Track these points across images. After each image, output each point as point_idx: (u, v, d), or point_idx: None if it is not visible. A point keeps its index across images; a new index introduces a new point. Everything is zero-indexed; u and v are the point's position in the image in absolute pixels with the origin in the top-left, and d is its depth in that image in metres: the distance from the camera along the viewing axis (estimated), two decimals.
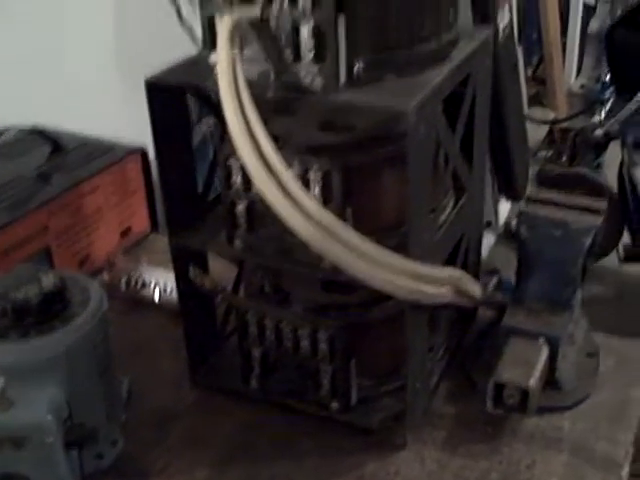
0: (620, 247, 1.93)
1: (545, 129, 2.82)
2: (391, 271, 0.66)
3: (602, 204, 0.88)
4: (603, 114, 2.62)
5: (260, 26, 0.63)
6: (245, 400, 0.83)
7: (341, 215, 0.67)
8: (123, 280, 0.99)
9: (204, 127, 1.48)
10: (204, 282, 0.75)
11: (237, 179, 0.70)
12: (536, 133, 2.80)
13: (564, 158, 2.93)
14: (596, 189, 2.24)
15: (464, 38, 0.74)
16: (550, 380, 0.79)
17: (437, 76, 0.67)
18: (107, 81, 1.33)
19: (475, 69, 0.75)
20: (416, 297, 0.69)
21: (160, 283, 0.97)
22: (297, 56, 0.63)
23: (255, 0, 0.62)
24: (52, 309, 0.72)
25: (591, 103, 2.65)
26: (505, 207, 2.58)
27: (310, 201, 0.62)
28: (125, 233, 1.07)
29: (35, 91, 1.16)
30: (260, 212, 0.71)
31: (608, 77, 2.38)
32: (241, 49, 0.63)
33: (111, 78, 1.34)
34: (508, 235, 2.59)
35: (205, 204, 0.82)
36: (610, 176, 2.27)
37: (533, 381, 0.73)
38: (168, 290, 0.96)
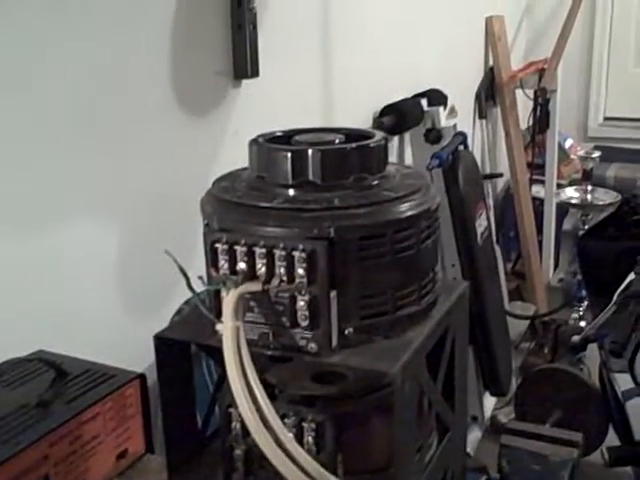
0: (604, 450, 1.95)
1: (527, 321, 2.92)
2: None
3: (578, 437, 0.94)
4: (582, 310, 2.73)
5: (261, 297, 0.71)
6: None
7: (333, 461, 0.72)
8: None
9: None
10: None
11: (236, 426, 0.76)
12: (518, 325, 2.90)
13: (546, 350, 3.01)
14: (579, 385, 2.30)
15: (443, 293, 0.83)
16: None
17: (419, 336, 0.75)
18: (107, 308, 1.41)
19: (453, 321, 0.83)
20: None
21: None
22: (293, 322, 0.71)
23: (258, 277, 0.70)
24: None
25: (570, 298, 2.78)
26: (490, 401, 2.62)
27: (303, 454, 0.68)
28: (121, 456, 1.10)
29: (37, 317, 1.24)
30: (257, 456, 0.76)
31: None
32: (244, 315, 0.71)
33: (111, 304, 1.43)
34: (494, 429, 2.60)
35: (204, 438, 0.86)
36: (592, 368, 2.33)
37: None
38: None
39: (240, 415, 0.74)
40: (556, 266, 3.27)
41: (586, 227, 2.55)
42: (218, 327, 0.70)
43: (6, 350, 1.10)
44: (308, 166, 0.72)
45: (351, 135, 0.79)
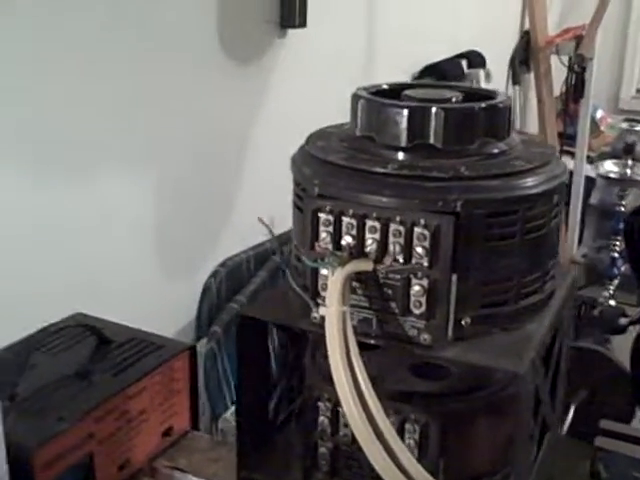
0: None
1: None
2: None
3: None
4: (612, 289, 2.64)
5: (367, 278, 0.61)
6: None
7: (436, 469, 0.64)
8: None
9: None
10: None
11: (324, 421, 0.67)
12: None
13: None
14: (607, 365, 2.21)
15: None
16: None
17: (540, 328, 0.65)
18: (141, 270, 1.34)
19: (566, 314, 0.73)
20: None
21: None
22: (405, 309, 0.61)
23: (365, 254, 0.60)
24: None
25: (599, 276, 2.68)
26: None
27: (416, 466, 0.59)
28: (166, 433, 1.01)
29: (75, 279, 1.16)
30: (344, 455, 0.67)
31: (616, 254, 2.42)
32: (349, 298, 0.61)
33: (146, 265, 1.35)
34: None
35: (274, 427, 0.78)
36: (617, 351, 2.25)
37: None
38: None
39: (329, 409, 0.66)
40: (580, 241, 3.18)
41: (623, 202, 2.44)
42: (322, 312, 0.60)
43: (39, 308, 1.01)
44: (429, 127, 0.61)
45: (467, 93, 0.68)
